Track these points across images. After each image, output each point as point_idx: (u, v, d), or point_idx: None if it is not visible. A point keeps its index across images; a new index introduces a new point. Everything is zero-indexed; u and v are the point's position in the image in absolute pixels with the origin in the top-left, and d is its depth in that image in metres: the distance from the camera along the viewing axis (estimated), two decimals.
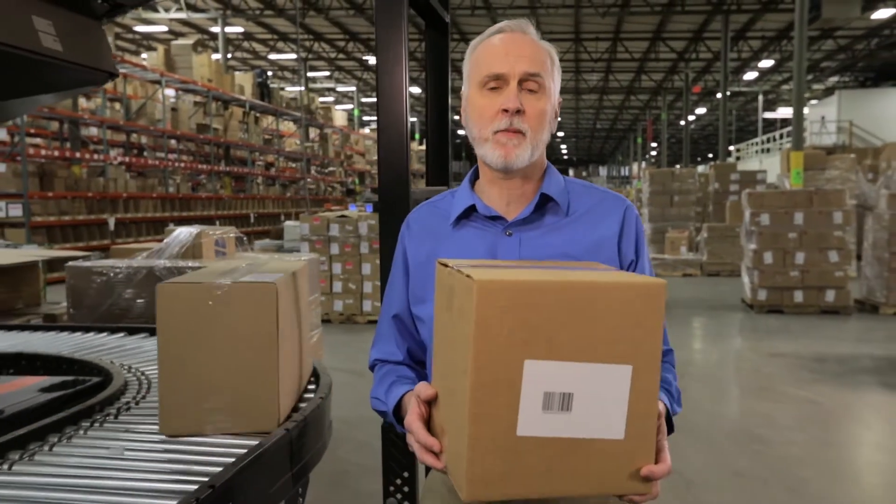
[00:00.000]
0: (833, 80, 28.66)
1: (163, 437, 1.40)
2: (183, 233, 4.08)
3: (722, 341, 6.92)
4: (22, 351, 2.18)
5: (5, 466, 1.28)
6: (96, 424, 1.54)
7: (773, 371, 5.48)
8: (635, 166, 41.45)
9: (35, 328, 2.82)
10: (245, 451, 1.28)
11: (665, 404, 1.12)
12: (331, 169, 25.09)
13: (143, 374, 1.99)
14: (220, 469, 1.20)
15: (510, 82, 1.17)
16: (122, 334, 2.60)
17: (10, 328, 2.79)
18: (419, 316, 1.27)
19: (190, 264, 3.67)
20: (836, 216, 8.02)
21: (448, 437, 0.99)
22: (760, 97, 30.82)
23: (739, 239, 9.38)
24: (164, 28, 21.17)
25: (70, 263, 3.70)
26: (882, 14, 17.29)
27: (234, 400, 1.39)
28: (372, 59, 26.49)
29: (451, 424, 0.97)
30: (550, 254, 1.19)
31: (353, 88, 31.22)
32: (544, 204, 1.23)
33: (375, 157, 28.74)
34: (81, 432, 1.49)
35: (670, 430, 1.11)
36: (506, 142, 1.17)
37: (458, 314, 0.96)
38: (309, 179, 22.43)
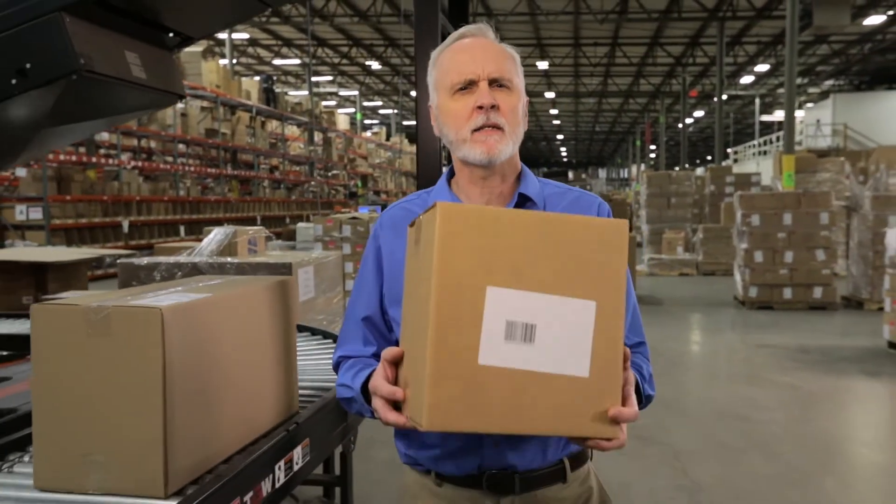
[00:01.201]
0: (829, 83, 29.09)
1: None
2: (220, 232, 4.50)
3: (714, 335, 7.34)
4: None
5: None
6: None
7: (759, 361, 5.90)
8: (634, 168, 41.90)
9: None
10: None
11: (635, 376, 1.11)
12: (334, 172, 25.50)
13: None
14: None
15: (480, 83, 1.18)
16: None
17: None
18: (396, 317, 1.23)
19: (229, 260, 4.10)
20: (823, 217, 8.44)
21: (411, 383, 0.97)
22: (757, 100, 31.26)
23: (733, 239, 9.80)
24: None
25: (121, 260, 4.12)
26: (873, 20, 17.73)
27: (117, 454, 1.14)
28: (375, 65, 26.94)
29: (415, 365, 0.96)
30: None
31: (356, 93, 31.65)
32: (522, 204, 1.24)
33: (377, 161, 29.06)
34: None
35: (641, 404, 1.13)
36: (485, 138, 1.17)
37: (423, 248, 0.96)
38: (313, 183, 22.86)
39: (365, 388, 1.16)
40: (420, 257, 0.98)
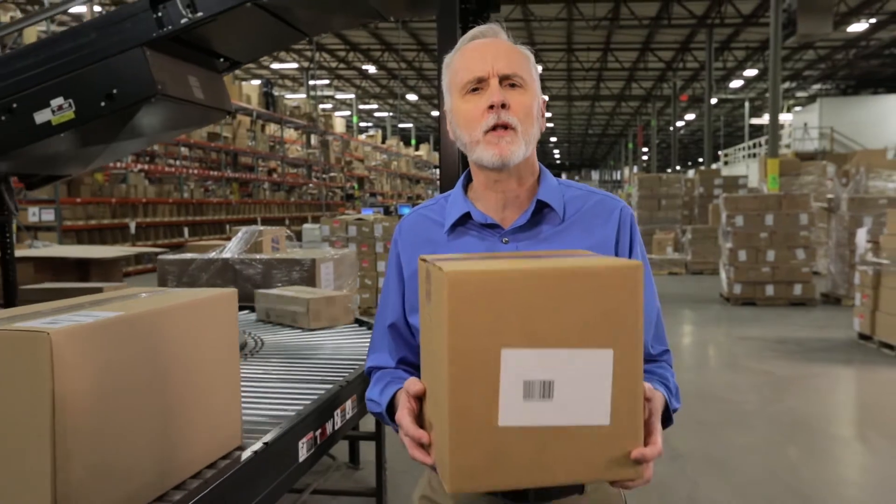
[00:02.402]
0: (816, 87, 29.69)
1: None
2: (247, 232, 4.94)
3: (699, 328, 7.81)
4: None
5: None
6: None
7: (740, 351, 6.37)
8: (626, 170, 42.45)
9: None
10: None
11: (663, 395, 1.11)
12: (332, 174, 25.91)
13: (253, 335, 2.87)
14: None
15: (491, 81, 1.16)
16: None
17: None
18: (415, 325, 1.24)
19: (256, 256, 4.54)
20: (803, 218, 8.93)
21: (435, 431, 0.98)
22: (747, 104, 31.82)
23: (719, 239, 10.28)
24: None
25: (160, 257, 4.57)
26: (857, 28, 18.28)
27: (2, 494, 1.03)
28: (371, 69, 27.38)
29: (437, 418, 0.97)
30: None
31: (352, 96, 32.06)
32: (540, 210, 1.22)
33: (373, 163, 29.37)
34: None
35: (669, 422, 1.12)
36: (497, 140, 1.15)
37: (435, 307, 0.96)
38: (311, 185, 23.27)
39: (391, 406, 1.17)
40: (433, 320, 0.97)
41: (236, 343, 1.51)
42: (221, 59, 3.19)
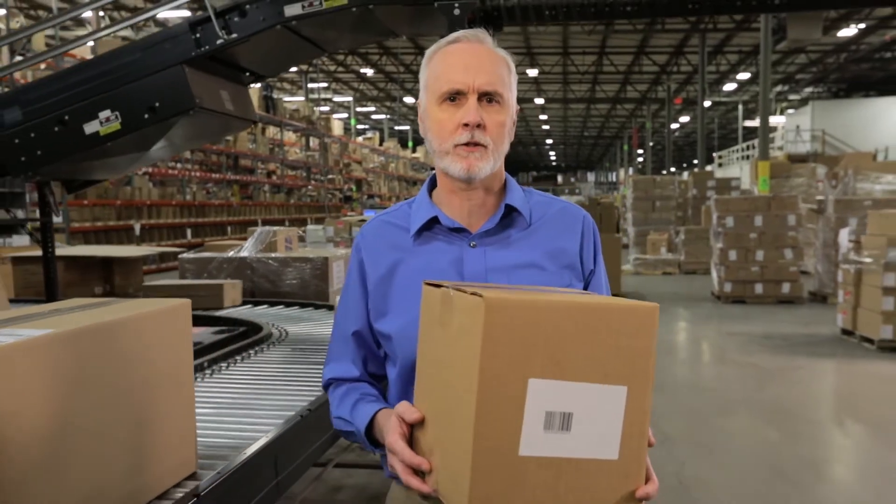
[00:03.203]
0: (808, 90, 30.08)
1: None
2: (262, 232, 5.23)
3: (691, 325, 8.12)
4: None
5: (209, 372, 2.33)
6: (254, 353, 2.67)
7: (728, 345, 6.68)
8: (622, 172, 42.82)
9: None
10: None
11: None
12: (330, 177, 26.19)
13: (278, 327, 3.18)
14: None
15: (469, 97, 1.16)
16: (248, 305, 3.87)
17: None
18: (382, 331, 1.22)
19: (272, 255, 4.83)
20: (790, 219, 9.25)
21: (441, 458, 0.98)
22: (740, 107, 32.20)
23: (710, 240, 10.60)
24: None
25: (181, 255, 4.86)
26: (846, 33, 18.65)
27: None
28: (369, 71, 27.67)
29: (446, 445, 0.96)
30: (516, 263, 1.20)
31: (350, 99, 32.35)
32: (508, 214, 1.23)
33: (371, 165, 29.57)
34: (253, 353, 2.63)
35: None
36: (467, 154, 1.16)
37: (457, 333, 0.95)
38: (310, 187, 23.55)
39: (369, 429, 1.15)
40: (451, 345, 0.97)
41: (189, 360, 1.40)
42: (247, 74, 3.49)
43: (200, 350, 2.70)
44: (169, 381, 1.33)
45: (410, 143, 37.64)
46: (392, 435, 1.03)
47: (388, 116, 36.72)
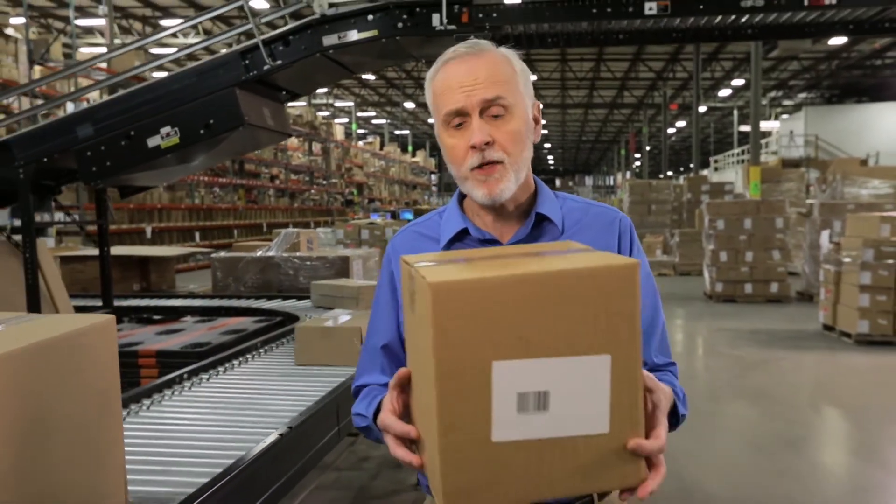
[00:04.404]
0: (802, 96, 30.61)
1: None
2: (287, 233, 5.69)
3: (683, 322, 8.57)
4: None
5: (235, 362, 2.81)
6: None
7: (716, 340, 7.13)
8: (619, 176, 43.32)
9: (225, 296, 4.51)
10: None
11: (670, 389, 1.07)
12: (332, 181, 26.65)
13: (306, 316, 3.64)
14: None
15: (472, 115, 1.11)
16: (278, 300, 4.38)
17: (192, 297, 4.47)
18: None
19: (297, 254, 5.27)
20: (779, 221, 9.72)
21: (423, 441, 0.93)
22: (735, 112, 32.70)
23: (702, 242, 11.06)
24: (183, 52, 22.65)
25: (213, 255, 5.31)
26: (837, 41, 19.15)
27: None
28: (370, 77, 28.15)
29: (425, 430, 0.92)
30: None
31: (351, 104, 32.82)
32: (539, 223, 1.20)
33: (372, 170, 29.96)
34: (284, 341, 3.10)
35: (676, 425, 1.09)
36: (485, 178, 1.12)
37: (419, 318, 0.88)
38: (313, 191, 24.01)
39: (377, 415, 1.09)
40: (418, 330, 0.90)
41: (116, 389, 1.22)
42: (284, 93, 3.94)
43: (245, 336, 3.19)
44: (83, 419, 1.14)
45: (410, 148, 38.12)
46: (384, 412, 1.00)
47: (389, 121, 37.20)
